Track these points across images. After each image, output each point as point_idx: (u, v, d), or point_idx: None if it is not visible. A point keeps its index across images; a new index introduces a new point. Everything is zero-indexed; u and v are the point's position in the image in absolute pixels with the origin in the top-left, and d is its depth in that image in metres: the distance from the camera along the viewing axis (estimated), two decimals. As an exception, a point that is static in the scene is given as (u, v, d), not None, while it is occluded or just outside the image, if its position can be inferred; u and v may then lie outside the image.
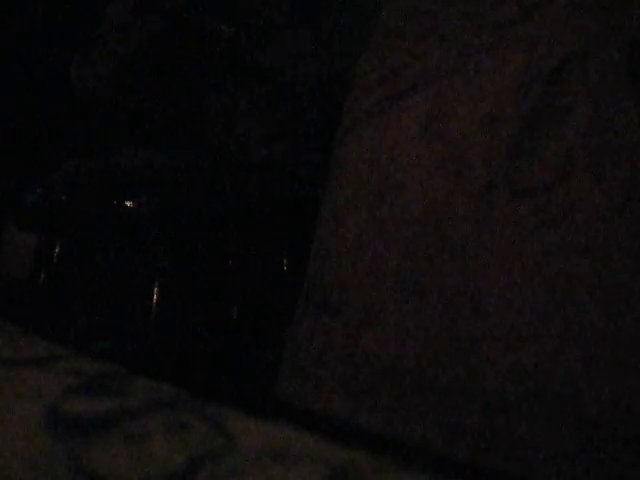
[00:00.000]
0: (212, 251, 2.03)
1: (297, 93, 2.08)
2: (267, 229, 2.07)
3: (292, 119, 2.09)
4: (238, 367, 1.89)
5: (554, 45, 1.05)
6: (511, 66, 1.09)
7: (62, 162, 2.17)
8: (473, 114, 1.12)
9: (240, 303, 2.01)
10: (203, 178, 2.04)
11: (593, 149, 0.96)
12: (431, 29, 1.28)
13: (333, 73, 2.11)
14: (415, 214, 1.15)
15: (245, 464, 0.71)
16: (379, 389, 1.10)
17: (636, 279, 0.88)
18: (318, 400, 1.19)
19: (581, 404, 0.88)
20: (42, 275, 2.14)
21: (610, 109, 0.97)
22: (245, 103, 2.11)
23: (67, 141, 2.61)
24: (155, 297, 1.93)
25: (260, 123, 2.10)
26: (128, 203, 1.93)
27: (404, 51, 1.33)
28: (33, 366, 0.99)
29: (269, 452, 0.74)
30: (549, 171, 1.00)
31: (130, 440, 0.74)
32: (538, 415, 0.91)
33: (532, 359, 0.94)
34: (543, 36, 1.07)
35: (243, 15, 2.12)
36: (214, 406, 0.87)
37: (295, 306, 1.41)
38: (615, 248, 0.91)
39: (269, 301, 2.00)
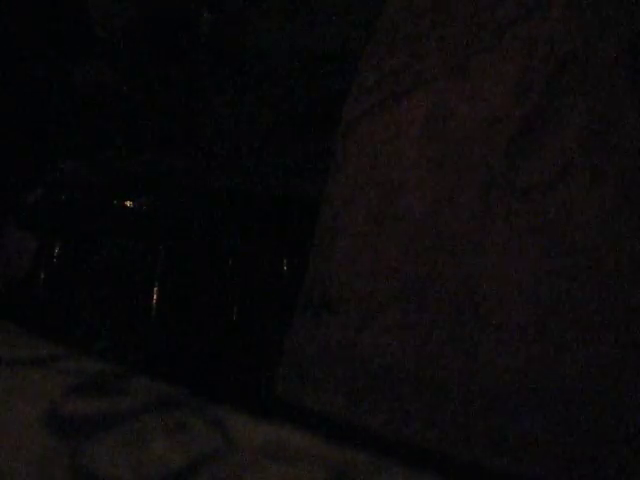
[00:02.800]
0: (212, 251, 2.03)
1: (280, 78, 2.07)
2: (267, 229, 2.07)
3: (278, 104, 2.08)
4: (238, 367, 1.89)
5: (554, 45, 1.05)
6: (511, 66, 1.09)
7: (62, 162, 2.17)
8: (473, 114, 1.12)
9: (240, 303, 2.01)
10: (202, 178, 2.04)
11: (593, 149, 0.96)
12: (431, 29, 1.28)
13: (316, 55, 2.10)
14: (415, 214, 1.15)
15: (245, 464, 0.71)
16: (379, 389, 1.10)
17: (636, 279, 0.88)
18: (318, 400, 1.19)
19: (581, 404, 0.88)
20: (42, 275, 2.14)
21: (610, 109, 0.97)
22: (230, 95, 2.11)
23: (67, 141, 2.61)
24: (155, 297, 1.93)
25: (247, 116, 2.09)
26: (128, 203, 1.93)
27: (404, 51, 1.33)
28: (33, 366, 0.99)
29: (269, 452, 0.74)
30: (549, 171, 1.00)
31: (130, 440, 0.74)
32: (538, 415, 0.91)
33: (532, 359, 0.94)
34: (543, 36, 1.07)
35: (225, 3, 2.11)
36: (214, 406, 0.87)
37: (295, 306, 1.41)
38: (615, 248, 0.91)
39: (269, 301, 2.00)
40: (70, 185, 2.04)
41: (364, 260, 1.21)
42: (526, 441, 0.92)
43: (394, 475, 0.72)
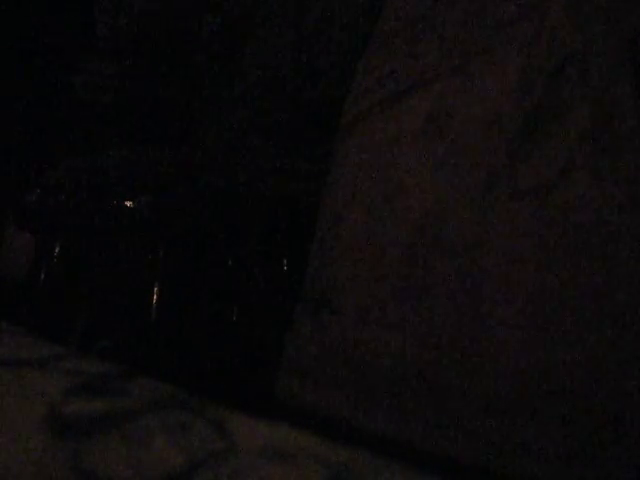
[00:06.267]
0: (212, 251, 2.03)
1: (277, 88, 2.08)
2: (267, 229, 2.07)
3: (273, 112, 2.09)
4: (238, 367, 1.89)
5: (554, 45, 1.05)
6: (511, 66, 1.09)
7: (62, 162, 2.17)
8: (473, 114, 1.12)
9: (240, 303, 2.01)
10: (202, 178, 2.04)
11: (593, 149, 0.96)
12: (431, 29, 1.28)
13: (314, 69, 2.10)
14: (415, 214, 1.15)
15: (245, 464, 0.71)
16: (379, 389, 1.10)
17: (636, 279, 0.88)
18: (318, 400, 1.19)
19: (581, 405, 0.88)
20: (42, 275, 2.14)
21: (610, 109, 0.97)
22: (228, 99, 2.12)
23: (67, 141, 2.61)
24: (155, 297, 1.93)
25: (244, 119, 2.10)
26: (128, 203, 1.93)
27: (404, 51, 1.33)
28: (33, 366, 0.99)
29: (269, 452, 0.74)
30: (549, 171, 1.00)
31: (130, 440, 0.74)
32: (538, 415, 0.91)
33: (532, 359, 0.94)
34: (543, 36, 1.07)
35: (227, 8, 2.12)
36: (214, 406, 0.87)
37: (295, 306, 1.41)
38: (615, 248, 0.91)
39: (269, 301, 2.00)
40: (70, 185, 2.04)
41: (364, 260, 1.21)
42: (526, 441, 0.92)
43: (394, 475, 0.72)
